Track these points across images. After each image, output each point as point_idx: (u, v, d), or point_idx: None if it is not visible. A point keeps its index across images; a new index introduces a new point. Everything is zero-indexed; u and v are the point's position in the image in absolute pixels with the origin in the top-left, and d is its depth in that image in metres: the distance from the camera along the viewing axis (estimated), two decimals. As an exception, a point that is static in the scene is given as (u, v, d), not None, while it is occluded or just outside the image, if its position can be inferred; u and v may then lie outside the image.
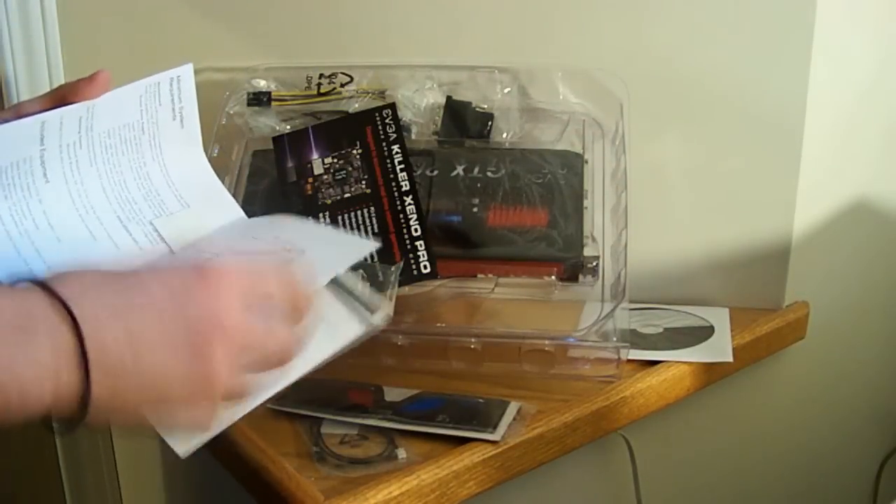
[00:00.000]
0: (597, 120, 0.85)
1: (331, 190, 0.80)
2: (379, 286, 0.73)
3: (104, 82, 0.57)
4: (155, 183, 0.60)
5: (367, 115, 0.83)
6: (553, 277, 0.77)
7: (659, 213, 0.90)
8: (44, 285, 0.44)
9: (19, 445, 0.92)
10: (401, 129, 0.82)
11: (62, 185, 0.56)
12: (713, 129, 0.89)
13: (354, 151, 0.81)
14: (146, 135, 0.59)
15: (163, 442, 0.50)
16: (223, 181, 0.82)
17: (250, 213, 0.81)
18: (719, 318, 0.89)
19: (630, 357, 0.78)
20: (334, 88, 0.85)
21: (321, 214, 0.79)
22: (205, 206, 0.60)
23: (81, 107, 0.56)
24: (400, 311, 0.73)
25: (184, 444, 0.50)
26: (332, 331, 0.56)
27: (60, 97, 0.56)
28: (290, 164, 0.82)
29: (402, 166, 0.80)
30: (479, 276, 0.78)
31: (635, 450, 0.93)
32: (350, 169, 0.81)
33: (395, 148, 0.81)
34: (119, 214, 0.57)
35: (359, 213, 0.79)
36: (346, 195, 0.80)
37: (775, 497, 1.06)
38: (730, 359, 0.83)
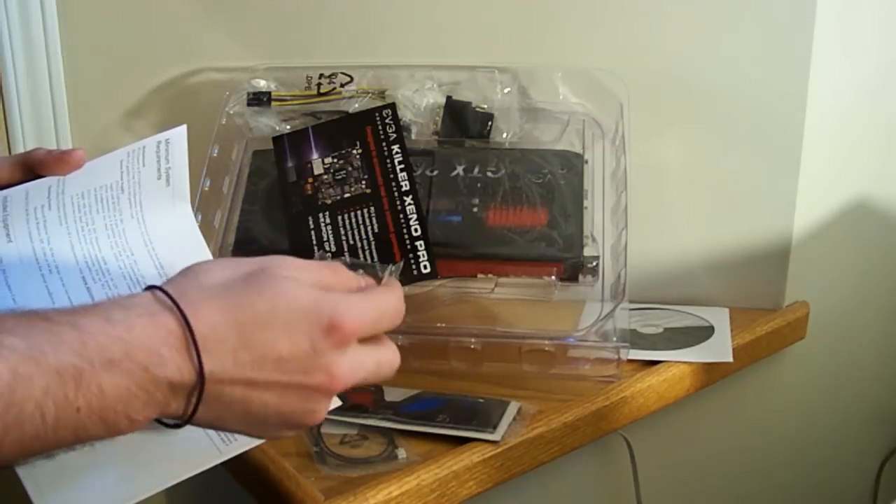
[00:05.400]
0: (597, 120, 0.84)
1: (331, 190, 0.80)
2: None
3: (78, 162, 0.53)
4: (130, 241, 0.57)
5: (367, 115, 0.83)
6: (553, 277, 0.77)
7: (659, 213, 0.90)
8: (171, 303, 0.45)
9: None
10: (401, 129, 0.82)
11: (26, 244, 0.53)
12: (713, 129, 0.89)
13: (354, 151, 0.81)
14: (125, 193, 0.57)
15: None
16: (223, 181, 0.83)
17: (251, 213, 0.82)
18: (719, 318, 0.89)
19: (630, 357, 0.78)
20: (334, 88, 0.85)
21: (321, 214, 0.79)
22: (180, 265, 0.57)
23: (51, 179, 0.53)
24: (400, 311, 0.73)
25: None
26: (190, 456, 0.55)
27: (29, 167, 0.53)
28: (290, 164, 0.82)
29: (402, 166, 0.80)
30: (479, 276, 0.78)
31: (635, 450, 0.93)
32: (350, 169, 0.81)
33: (395, 148, 0.81)
34: (85, 275, 0.54)
35: (359, 213, 0.79)
36: (346, 195, 0.80)
37: (775, 497, 1.06)
38: (730, 359, 0.83)
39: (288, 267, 0.48)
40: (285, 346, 0.45)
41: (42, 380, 0.39)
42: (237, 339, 0.45)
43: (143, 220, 0.58)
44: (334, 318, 0.46)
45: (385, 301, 0.50)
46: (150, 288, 0.46)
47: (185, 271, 0.48)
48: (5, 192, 0.52)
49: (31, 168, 0.53)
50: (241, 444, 0.56)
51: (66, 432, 0.41)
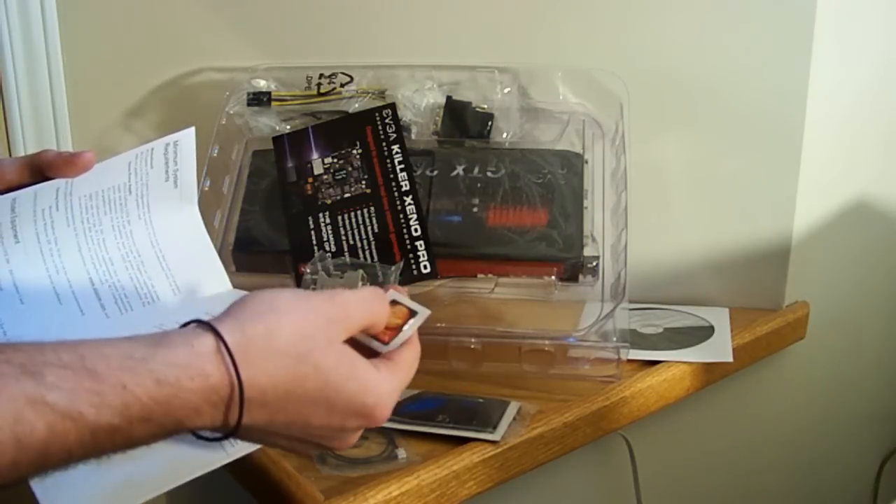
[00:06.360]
0: (597, 120, 0.84)
1: (331, 190, 0.80)
2: (379, 286, 0.72)
3: (87, 164, 0.54)
4: (137, 242, 0.57)
5: (367, 115, 0.83)
6: (553, 277, 0.77)
7: (659, 213, 0.90)
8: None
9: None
10: (401, 129, 0.82)
11: (34, 245, 0.53)
12: (713, 129, 0.89)
13: (354, 151, 0.81)
14: (133, 195, 0.57)
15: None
16: (223, 181, 0.83)
17: (251, 213, 0.82)
18: (719, 318, 0.89)
19: (630, 357, 0.78)
20: (334, 88, 0.85)
21: (321, 214, 0.79)
22: (187, 267, 0.58)
23: (59, 181, 0.54)
24: (400, 311, 0.73)
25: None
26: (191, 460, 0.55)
27: (37, 168, 0.53)
28: (290, 164, 0.82)
29: (402, 166, 0.80)
30: (479, 276, 0.78)
31: (635, 450, 0.93)
32: (350, 169, 0.81)
33: (395, 148, 0.81)
34: (92, 276, 0.55)
35: (359, 213, 0.79)
36: (346, 195, 0.80)
37: (775, 497, 1.06)
38: (730, 359, 0.83)
39: (351, 323, 0.50)
40: (317, 419, 0.48)
41: (76, 434, 0.40)
42: (278, 406, 0.46)
43: (150, 222, 0.58)
44: (375, 412, 0.49)
45: (410, 372, 0.53)
46: (214, 332, 0.44)
47: (259, 318, 0.46)
48: (14, 193, 0.52)
49: (40, 170, 0.54)
50: (247, 445, 0.56)
51: (87, 460, 0.42)
